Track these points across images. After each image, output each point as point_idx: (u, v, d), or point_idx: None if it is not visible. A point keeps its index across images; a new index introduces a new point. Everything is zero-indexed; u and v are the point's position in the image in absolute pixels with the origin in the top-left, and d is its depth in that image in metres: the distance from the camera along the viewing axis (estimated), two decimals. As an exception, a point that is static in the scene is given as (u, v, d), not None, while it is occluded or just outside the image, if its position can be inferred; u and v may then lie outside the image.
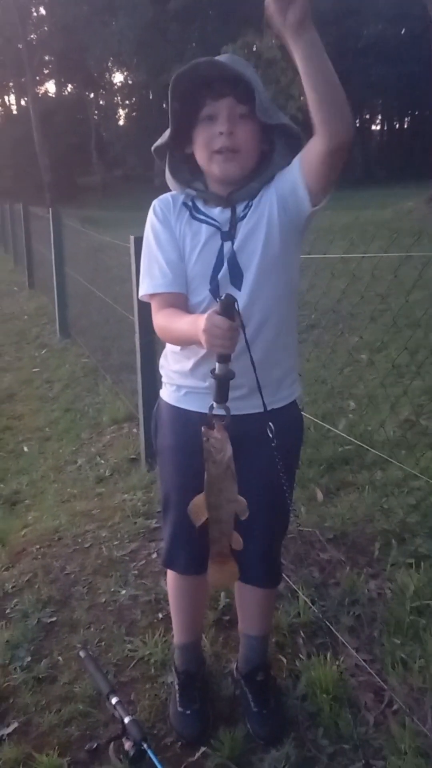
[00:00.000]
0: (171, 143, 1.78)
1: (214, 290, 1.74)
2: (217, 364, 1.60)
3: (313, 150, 1.60)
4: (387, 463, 3.53)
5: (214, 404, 1.63)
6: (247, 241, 1.73)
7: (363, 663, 2.28)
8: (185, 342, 1.75)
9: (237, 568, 1.75)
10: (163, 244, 1.80)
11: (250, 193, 1.75)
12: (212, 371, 1.61)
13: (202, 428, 1.62)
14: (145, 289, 1.83)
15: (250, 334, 1.69)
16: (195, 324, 1.58)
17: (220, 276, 1.74)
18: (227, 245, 1.74)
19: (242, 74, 1.64)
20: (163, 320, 1.79)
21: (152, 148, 1.81)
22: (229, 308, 1.54)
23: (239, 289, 1.73)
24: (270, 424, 1.75)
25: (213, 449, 1.61)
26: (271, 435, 1.75)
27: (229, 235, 1.74)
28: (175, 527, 1.99)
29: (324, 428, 3.82)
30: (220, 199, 1.76)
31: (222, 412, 1.63)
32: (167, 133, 1.75)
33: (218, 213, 1.76)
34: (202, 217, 1.78)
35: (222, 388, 1.62)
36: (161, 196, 1.86)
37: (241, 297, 1.68)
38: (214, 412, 1.62)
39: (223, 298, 1.53)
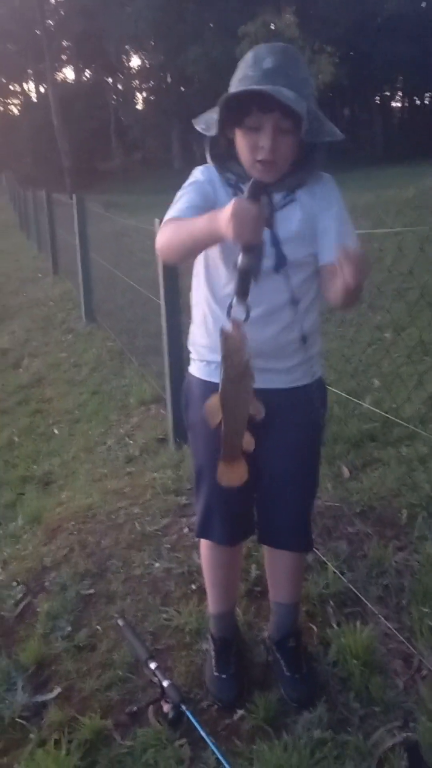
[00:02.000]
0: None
1: (256, 273, 1.78)
2: (240, 256, 1.55)
3: (327, 291, 1.79)
4: (412, 438, 3.57)
5: (234, 300, 1.61)
6: (287, 233, 1.80)
7: (392, 630, 2.34)
8: (199, 241, 1.69)
9: (246, 469, 1.77)
10: (198, 189, 1.84)
11: (287, 185, 1.81)
12: (234, 264, 1.57)
13: (221, 327, 1.62)
14: (167, 216, 1.82)
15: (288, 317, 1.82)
16: (214, 217, 1.56)
17: (264, 258, 1.78)
18: (269, 232, 1.78)
19: (292, 107, 1.63)
20: (169, 230, 1.76)
21: (193, 123, 1.84)
22: (258, 192, 1.51)
23: (277, 272, 1.81)
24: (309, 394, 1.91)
25: (231, 348, 1.58)
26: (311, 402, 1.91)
27: (268, 222, 1.78)
28: (209, 498, 2.06)
29: (349, 406, 3.87)
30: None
31: (242, 309, 1.61)
32: (212, 124, 1.76)
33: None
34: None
35: (244, 282, 1.59)
36: (206, 164, 1.89)
37: (274, 280, 1.80)
38: (235, 308, 1.61)
39: (252, 182, 1.51)
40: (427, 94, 52.09)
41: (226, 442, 1.71)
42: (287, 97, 1.63)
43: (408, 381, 3.98)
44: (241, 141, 1.77)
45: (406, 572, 2.63)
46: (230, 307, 1.62)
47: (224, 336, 1.59)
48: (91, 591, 2.72)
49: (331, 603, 2.51)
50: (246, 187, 1.53)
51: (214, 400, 1.65)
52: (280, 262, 1.81)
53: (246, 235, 1.51)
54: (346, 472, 3.47)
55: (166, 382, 4.08)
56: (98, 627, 2.51)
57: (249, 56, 1.76)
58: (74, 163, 38.34)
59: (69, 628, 2.51)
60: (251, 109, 1.71)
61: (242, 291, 1.59)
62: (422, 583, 2.52)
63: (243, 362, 1.59)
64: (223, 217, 1.52)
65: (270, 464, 2.01)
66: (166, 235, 1.76)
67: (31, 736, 2.10)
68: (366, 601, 2.48)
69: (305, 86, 1.72)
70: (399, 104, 54.89)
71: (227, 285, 1.82)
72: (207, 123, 1.79)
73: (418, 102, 54.05)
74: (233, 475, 1.78)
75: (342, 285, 1.53)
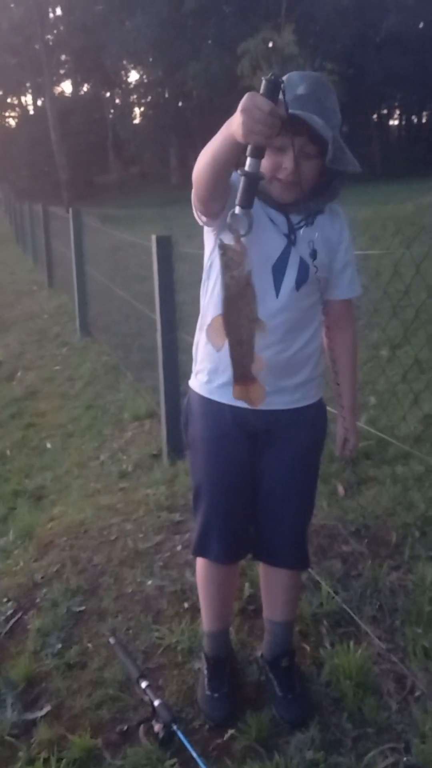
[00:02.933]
0: None
1: (277, 283, 1.83)
2: (248, 159, 1.45)
3: (329, 338, 2.06)
4: (408, 457, 3.57)
5: (237, 209, 1.51)
6: (306, 251, 1.83)
7: (385, 651, 2.33)
8: (218, 152, 1.58)
9: (263, 390, 1.67)
10: None
11: (305, 210, 1.84)
12: (241, 168, 1.47)
13: (219, 240, 1.55)
14: None
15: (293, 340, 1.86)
16: (231, 120, 1.48)
17: (286, 273, 1.83)
18: (293, 249, 1.83)
19: (321, 132, 1.66)
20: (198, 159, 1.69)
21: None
22: (274, 90, 1.39)
23: (297, 290, 1.85)
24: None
25: (231, 262, 1.51)
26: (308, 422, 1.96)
27: (289, 238, 1.83)
28: (208, 516, 2.06)
29: (358, 438, 3.86)
30: (278, 204, 1.82)
31: (244, 220, 1.52)
32: None
33: (272, 213, 1.83)
34: (263, 207, 1.82)
35: (250, 189, 1.48)
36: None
37: (297, 299, 1.85)
38: (237, 219, 1.51)
39: (270, 76, 1.40)
40: (424, 113, 52.52)
41: (235, 365, 1.63)
42: (317, 122, 1.65)
43: (403, 399, 3.98)
44: (266, 159, 1.77)
45: (400, 592, 2.62)
46: (231, 216, 1.52)
47: (224, 249, 1.51)
48: (83, 608, 2.70)
49: (325, 623, 2.50)
50: (263, 84, 1.41)
51: (216, 321, 1.57)
52: (301, 280, 1.85)
53: (256, 132, 1.40)
54: (341, 490, 3.46)
55: (160, 397, 4.08)
56: (89, 644, 2.49)
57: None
58: (71, 177, 38.45)
59: (60, 646, 2.49)
60: (280, 130, 1.72)
61: (247, 200, 1.48)
62: (416, 604, 2.51)
63: (244, 276, 1.51)
64: (236, 117, 1.43)
65: (270, 481, 2.03)
66: (196, 165, 1.69)
67: (20, 754, 2.08)
68: (360, 622, 2.46)
69: (333, 116, 1.74)
70: (397, 122, 55.33)
71: (260, 294, 1.84)
72: None
73: (415, 120, 54.47)
74: (251, 395, 1.67)
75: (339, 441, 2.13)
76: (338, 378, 2.06)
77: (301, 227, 1.85)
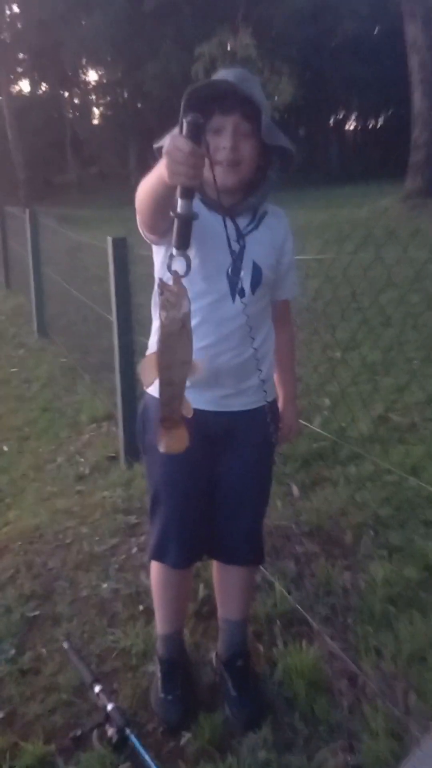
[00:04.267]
0: None
1: (233, 287, 1.86)
2: (179, 201, 1.43)
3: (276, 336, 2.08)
4: (360, 458, 3.63)
5: (174, 252, 1.48)
6: (259, 256, 1.89)
7: (338, 650, 2.36)
8: (153, 189, 1.59)
9: (187, 434, 1.63)
10: None
11: (249, 207, 1.88)
12: (172, 210, 1.45)
13: (158, 280, 1.53)
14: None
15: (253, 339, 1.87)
16: (161, 162, 1.48)
17: (241, 277, 1.86)
18: (245, 253, 1.86)
19: (252, 96, 1.73)
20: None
21: (154, 146, 1.85)
22: (194, 130, 1.37)
23: (253, 294, 1.90)
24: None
25: (168, 303, 1.48)
26: (268, 421, 1.99)
27: (239, 243, 1.86)
28: (166, 522, 2.07)
29: (299, 425, 3.90)
30: (221, 208, 1.82)
31: (182, 261, 1.50)
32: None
33: (219, 218, 1.83)
34: (211, 214, 1.84)
35: (184, 230, 1.46)
36: None
37: (252, 302, 1.89)
38: (174, 260, 1.49)
39: (189, 118, 1.38)
40: (381, 117, 53.16)
41: (164, 405, 1.58)
42: (247, 90, 1.71)
43: (356, 401, 4.04)
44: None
45: (353, 592, 2.66)
46: (170, 257, 1.50)
47: (162, 288, 1.49)
48: (37, 613, 2.68)
49: (278, 623, 2.52)
50: (184, 125, 1.39)
51: (149, 360, 1.52)
52: (255, 283, 1.89)
53: (179, 173, 1.39)
54: (296, 490, 3.49)
55: (117, 399, 4.07)
56: (43, 650, 2.47)
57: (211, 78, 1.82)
58: (29, 176, 37.98)
59: (13, 651, 2.46)
60: (212, 113, 1.76)
61: (182, 242, 1.46)
62: (368, 603, 2.55)
63: (180, 317, 1.48)
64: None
65: (227, 481, 2.06)
66: (137, 193, 1.70)
67: (-28, 762, 2.06)
68: (312, 621, 2.50)
69: (262, 100, 1.78)
70: (353, 125, 55.90)
71: (194, 300, 1.85)
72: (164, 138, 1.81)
73: (372, 124, 55.12)
74: (174, 441, 1.64)
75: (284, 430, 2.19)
76: (279, 372, 2.15)
77: (251, 231, 1.88)
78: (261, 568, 2.64)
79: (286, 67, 23.74)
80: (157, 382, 1.55)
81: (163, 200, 1.58)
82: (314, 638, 2.43)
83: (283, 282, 2.03)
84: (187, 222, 1.45)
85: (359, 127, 55.46)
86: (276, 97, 22.93)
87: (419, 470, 3.48)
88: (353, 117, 54.49)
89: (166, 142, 1.43)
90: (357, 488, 3.38)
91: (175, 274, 1.49)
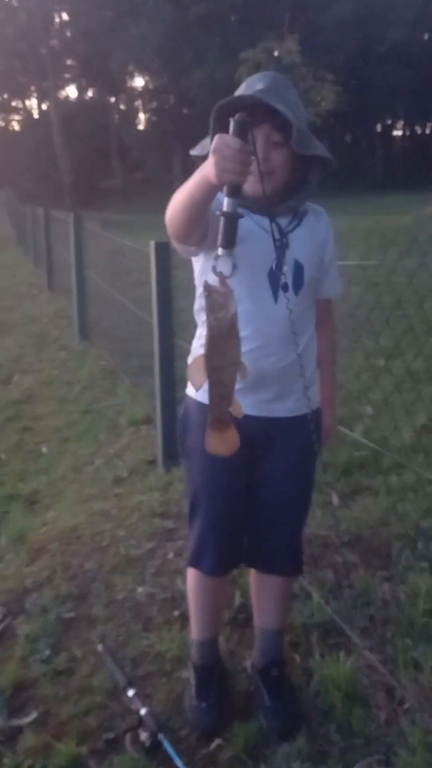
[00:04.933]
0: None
1: (275, 288, 1.84)
2: (225, 199, 1.44)
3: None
4: (402, 468, 3.57)
5: (220, 251, 1.49)
6: (302, 254, 1.87)
7: (375, 662, 2.32)
8: (194, 194, 1.59)
9: (237, 437, 1.63)
10: None
11: (290, 209, 1.86)
12: (219, 209, 1.46)
13: (204, 282, 1.53)
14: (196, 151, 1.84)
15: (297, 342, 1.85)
16: (204, 163, 1.50)
17: (284, 277, 1.84)
18: (287, 252, 1.84)
19: (279, 108, 1.68)
20: (172, 199, 1.71)
21: (191, 152, 1.86)
22: (242, 128, 1.39)
23: (296, 294, 1.86)
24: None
25: (216, 304, 1.49)
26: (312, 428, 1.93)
27: (282, 242, 1.84)
28: (204, 528, 2.05)
29: (340, 433, 3.86)
30: (263, 209, 1.81)
31: (228, 261, 1.50)
32: (207, 145, 1.76)
33: (260, 220, 1.82)
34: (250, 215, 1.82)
35: (230, 229, 1.47)
36: None
37: (297, 302, 1.85)
38: (220, 261, 1.49)
39: (237, 116, 1.41)
40: (429, 124, 52.68)
41: (213, 407, 1.58)
42: (276, 103, 1.68)
43: (399, 410, 3.98)
44: None
45: (392, 603, 2.61)
46: (216, 258, 1.50)
47: (208, 291, 1.49)
48: (72, 614, 2.68)
49: (316, 633, 2.48)
50: (231, 124, 1.42)
51: (198, 362, 1.52)
52: (298, 282, 1.87)
53: (229, 172, 1.41)
54: (335, 499, 3.45)
55: (156, 403, 4.07)
56: (78, 651, 2.47)
57: (243, 84, 1.83)
58: (75, 181, 38.56)
59: (48, 652, 2.47)
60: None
61: (228, 240, 1.47)
62: (407, 615, 2.50)
63: (229, 319, 1.49)
64: (209, 157, 1.45)
65: (268, 489, 2.03)
66: (170, 205, 1.71)
67: (6, 760, 2.06)
68: (350, 633, 2.45)
69: (295, 108, 1.75)
70: (400, 132, 55.47)
71: (259, 302, 1.85)
72: (203, 146, 1.82)
73: (419, 131, 54.66)
74: (223, 443, 1.63)
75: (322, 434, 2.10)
76: (319, 375, 2.07)
77: (293, 229, 1.86)
78: (299, 577, 2.61)
79: (331, 74, 23.66)
80: (206, 385, 1.54)
81: (201, 206, 1.60)
82: (351, 650, 2.39)
83: (325, 279, 2.00)
84: (233, 220, 1.45)
85: (405, 134, 55.04)
86: (322, 103, 22.87)
87: (462, 481, 3.40)
88: (399, 124, 54.11)
89: (213, 141, 1.43)
90: (398, 498, 3.32)
91: (220, 275, 1.49)
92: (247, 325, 1.83)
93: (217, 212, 1.47)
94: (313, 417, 1.97)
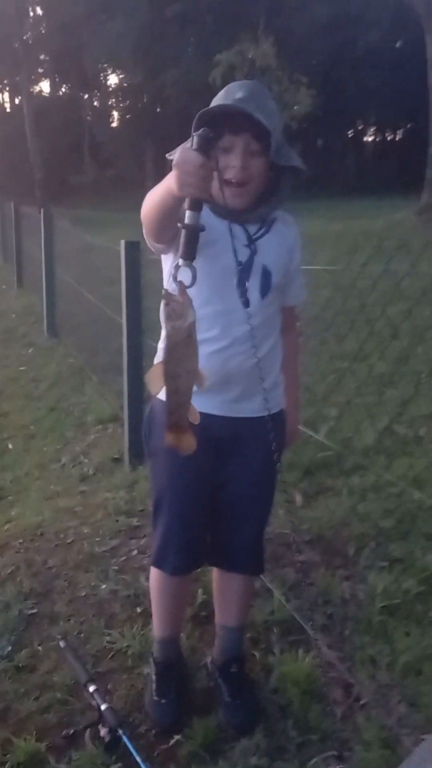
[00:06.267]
0: None
1: (242, 292, 1.85)
2: (186, 212, 1.48)
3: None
4: (364, 469, 3.63)
5: (180, 262, 1.53)
6: (270, 260, 1.89)
7: (334, 659, 2.36)
8: (162, 200, 1.65)
9: (194, 441, 1.66)
10: None
11: (259, 216, 1.88)
12: (180, 221, 1.50)
13: (163, 291, 1.56)
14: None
15: (259, 346, 1.86)
16: (171, 174, 1.54)
17: (248, 284, 1.86)
18: (255, 258, 1.87)
19: (261, 120, 1.71)
20: (146, 199, 1.76)
21: (167, 156, 1.88)
22: (204, 143, 1.43)
23: (263, 298, 1.89)
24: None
25: (174, 313, 1.51)
26: (270, 436, 1.93)
27: (251, 248, 1.86)
28: (168, 529, 2.06)
29: (305, 434, 3.91)
30: (232, 214, 1.83)
31: (188, 272, 1.54)
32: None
33: (232, 225, 1.83)
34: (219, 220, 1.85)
35: (191, 241, 1.51)
36: None
37: (263, 306, 1.89)
38: (180, 271, 1.53)
39: (200, 131, 1.45)
40: (399, 130, 53.17)
41: (170, 413, 1.62)
42: (257, 114, 1.70)
43: (362, 412, 4.04)
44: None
45: (351, 602, 2.65)
46: (176, 268, 1.55)
47: (167, 299, 1.52)
48: (35, 611, 2.69)
49: (275, 630, 2.52)
50: (194, 139, 1.47)
51: (156, 370, 1.57)
52: (265, 287, 1.89)
53: (190, 186, 1.46)
54: (299, 499, 3.49)
55: (124, 401, 4.08)
56: (39, 648, 2.48)
57: (222, 91, 1.84)
58: (46, 176, 38.15)
59: (9, 648, 2.47)
60: (223, 132, 1.76)
61: (188, 252, 1.51)
62: (366, 613, 2.55)
63: (185, 328, 1.51)
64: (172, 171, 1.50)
65: (233, 489, 2.06)
66: (144, 203, 1.75)
67: (-36, 757, 2.06)
68: (309, 630, 2.49)
69: (273, 117, 1.78)
70: (371, 137, 55.93)
71: (204, 306, 1.86)
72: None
73: (390, 137, 55.14)
74: (181, 444, 1.67)
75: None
76: (284, 377, 2.10)
77: (261, 235, 1.89)
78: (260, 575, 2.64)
79: (306, 78, 23.77)
80: (164, 391, 1.57)
81: (170, 211, 1.63)
82: (311, 647, 2.43)
83: (291, 286, 2.02)
84: (194, 233, 1.49)
85: (377, 140, 55.49)
86: (295, 107, 22.96)
87: (422, 483, 3.47)
88: (371, 129, 54.53)
89: (176, 155, 1.48)
90: (360, 499, 3.37)
91: (180, 284, 1.52)
92: (214, 325, 1.86)
93: (179, 224, 1.50)
94: (272, 419, 1.97)
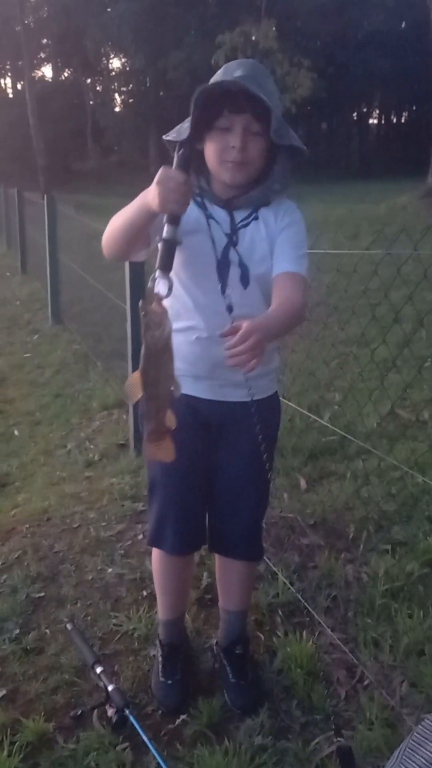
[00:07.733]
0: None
1: (223, 288, 1.84)
2: (165, 226, 1.56)
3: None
4: (367, 453, 3.65)
5: (157, 273, 1.58)
6: (251, 250, 1.86)
7: (337, 641, 2.39)
8: (133, 219, 1.71)
9: (173, 446, 1.71)
10: None
11: (249, 201, 1.86)
12: (159, 235, 1.58)
13: (140, 302, 1.59)
14: None
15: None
16: (146, 191, 1.61)
17: (229, 277, 1.84)
18: (233, 250, 1.84)
19: (263, 99, 1.70)
20: (110, 223, 1.81)
21: (164, 137, 1.88)
22: (185, 162, 1.52)
23: (245, 288, 1.86)
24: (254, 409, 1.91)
25: (152, 323, 1.55)
26: (255, 419, 1.90)
27: (231, 238, 1.84)
28: (162, 508, 2.09)
29: (309, 418, 3.93)
30: (220, 200, 1.85)
31: (164, 283, 1.59)
32: (184, 131, 1.80)
33: (217, 211, 1.85)
34: (207, 210, 1.86)
35: (168, 254, 1.58)
36: None
37: (245, 296, 1.85)
38: (158, 282, 1.58)
39: (181, 152, 1.55)
40: (404, 113, 52.82)
41: (149, 420, 1.65)
42: (257, 91, 1.70)
43: (365, 397, 4.05)
44: (211, 145, 1.81)
45: (354, 584, 2.68)
46: (152, 280, 1.59)
47: (145, 310, 1.56)
48: (42, 594, 2.72)
49: (280, 612, 2.55)
50: (175, 158, 1.55)
51: (134, 378, 1.60)
52: (244, 278, 1.86)
53: (170, 203, 1.54)
54: (303, 483, 3.52)
55: (128, 387, 4.09)
56: (47, 630, 2.51)
57: (221, 69, 1.83)
58: (49, 162, 38.05)
59: (17, 631, 2.51)
60: (222, 111, 1.76)
61: (165, 264, 1.58)
62: (369, 595, 2.58)
63: (164, 337, 1.56)
64: (151, 187, 1.56)
65: (225, 473, 2.07)
66: (107, 232, 1.82)
67: (-26, 737, 2.10)
68: (313, 612, 2.52)
69: (272, 97, 1.77)
70: (376, 120, 55.53)
71: (185, 295, 1.87)
72: (178, 131, 1.83)
73: (394, 120, 54.78)
74: (160, 452, 1.72)
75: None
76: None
77: (246, 224, 1.86)
78: (265, 558, 2.67)
79: (307, 60, 23.56)
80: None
81: (142, 228, 1.71)
82: (314, 629, 2.46)
83: (280, 258, 1.85)
84: (172, 247, 1.57)
85: (381, 123, 55.11)
86: (298, 90, 22.77)
87: (425, 467, 3.49)
88: (376, 112, 54.16)
89: (158, 173, 1.54)
90: (363, 483, 3.40)
91: (157, 296, 1.57)
92: (195, 315, 1.87)
93: (157, 238, 1.58)
94: (258, 404, 1.96)
